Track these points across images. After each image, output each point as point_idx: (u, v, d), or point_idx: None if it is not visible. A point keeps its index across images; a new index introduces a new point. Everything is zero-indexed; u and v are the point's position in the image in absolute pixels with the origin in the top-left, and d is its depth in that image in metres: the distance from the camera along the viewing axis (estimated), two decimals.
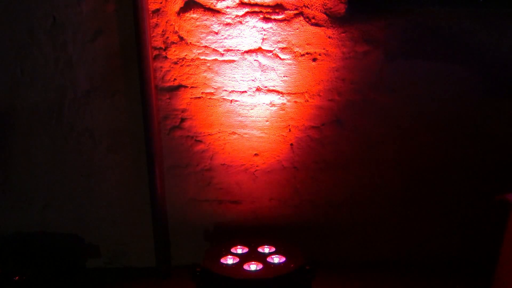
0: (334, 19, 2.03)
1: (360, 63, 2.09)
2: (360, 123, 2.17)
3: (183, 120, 2.14)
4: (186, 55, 2.05)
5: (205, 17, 2.01)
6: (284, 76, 2.10)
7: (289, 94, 2.12)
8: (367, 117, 2.17)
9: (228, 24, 2.02)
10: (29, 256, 2.13)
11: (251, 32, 2.03)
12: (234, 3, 1.99)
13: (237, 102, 2.12)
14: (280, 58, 2.07)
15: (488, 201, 2.19)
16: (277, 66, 2.08)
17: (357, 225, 2.32)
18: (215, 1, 1.98)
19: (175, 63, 2.06)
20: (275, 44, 2.05)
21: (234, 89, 2.10)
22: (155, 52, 2.04)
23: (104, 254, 2.31)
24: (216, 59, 2.06)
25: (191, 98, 2.11)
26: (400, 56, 2.09)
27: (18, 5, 1.95)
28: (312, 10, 2.01)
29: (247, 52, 2.06)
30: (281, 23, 2.03)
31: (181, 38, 2.03)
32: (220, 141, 2.17)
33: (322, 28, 2.04)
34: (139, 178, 2.20)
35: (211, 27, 2.02)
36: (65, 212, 2.24)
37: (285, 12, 2.01)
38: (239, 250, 1.96)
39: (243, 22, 2.02)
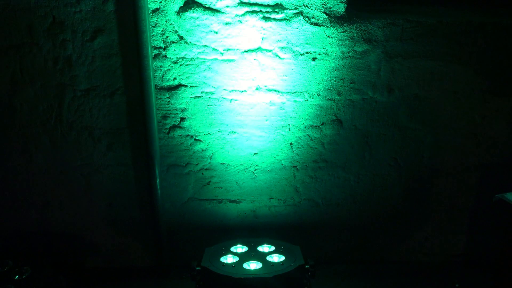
0: (334, 19, 2.03)
1: (360, 63, 2.09)
2: (360, 123, 2.18)
3: (182, 119, 2.14)
4: (185, 54, 2.05)
5: (204, 17, 2.01)
6: (283, 76, 2.10)
7: (288, 93, 2.12)
8: (366, 117, 2.17)
9: (228, 23, 2.02)
10: (29, 255, 2.13)
11: (250, 32, 2.03)
12: (234, 3, 1.99)
13: (236, 101, 2.12)
14: (279, 57, 2.07)
15: (488, 200, 2.19)
16: (276, 65, 2.08)
17: (357, 225, 2.33)
18: (215, 1, 1.98)
19: (175, 62, 2.06)
20: (275, 43, 2.05)
21: (234, 88, 2.10)
22: (155, 52, 2.04)
23: (104, 254, 2.31)
24: (215, 58, 2.06)
25: (190, 97, 2.11)
26: (399, 55, 2.09)
27: (17, 4, 1.95)
28: (311, 9, 2.01)
29: (246, 51, 2.06)
30: (281, 23, 2.03)
31: (181, 38, 2.03)
32: (219, 140, 2.17)
33: (322, 27, 2.04)
34: (138, 177, 2.20)
35: (211, 26, 2.02)
36: (65, 211, 2.24)
37: (285, 11, 2.01)
38: (239, 249, 1.96)
39: (243, 22, 2.02)
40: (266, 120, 2.16)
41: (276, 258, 1.88)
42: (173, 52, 2.05)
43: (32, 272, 1.93)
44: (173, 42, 2.03)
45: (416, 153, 2.23)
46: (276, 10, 2.01)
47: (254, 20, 2.02)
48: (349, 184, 2.27)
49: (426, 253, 2.38)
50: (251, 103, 2.13)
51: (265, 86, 2.11)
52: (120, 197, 2.23)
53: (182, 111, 2.13)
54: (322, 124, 2.17)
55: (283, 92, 2.12)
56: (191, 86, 2.10)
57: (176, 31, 2.02)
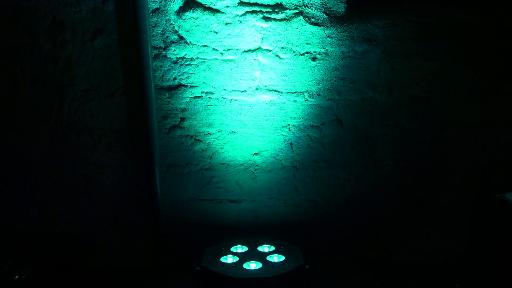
0: (334, 19, 2.03)
1: (360, 63, 2.09)
2: (360, 123, 2.18)
3: (182, 119, 2.14)
4: (185, 54, 2.05)
5: (204, 17, 2.01)
6: (283, 76, 2.10)
7: (288, 93, 2.12)
8: (366, 117, 2.17)
9: (228, 23, 2.02)
10: (29, 255, 2.13)
11: (250, 32, 2.03)
12: (234, 3, 1.99)
13: (237, 101, 2.12)
14: (279, 57, 2.07)
15: (488, 200, 2.19)
16: (276, 66, 2.08)
17: (357, 225, 2.33)
18: (215, 1, 1.98)
19: (175, 62, 2.06)
20: (275, 43, 2.05)
21: (234, 88, 2.10)
22: (155, 52, 2.04)
23: (104, 254, 2.31)
24: (215, 58, 2.06)
25: (190, 97, 2.11)
26: (399, 55, 2.09)
27: (17, 4, 1.95)
28: (311, 9, 2.01)
29: (246, 51, 2.06)
30: (281, 23, 2.03)
31: (181, 38, 2.03)
32: (219, 140, 2.17)
33: (322, 27, 2.04)
34: (138, 177, 2.20)
35: (211, 26, 2.02)
36: (65, 211, 2.24)
37: (285, 11, 2.01)
38: (239, 249, 1.96)
39: (243, 22, 2.02)
40: (266, 120, 2.16)
41: (276, 258, 1.88)
42: (173, 52, 2.05)
43: (32, 272, 1.93)
44: (173, 42, 2.03)
45: (416, 153, 2.23)
46: (276, 10, 2.01)
47: (254, 20, 2.02)
48: (349, 184, 2.27)
49: (426, 253, 2.38)
50: (251, 103, 2.13)
51: (265, 86, 2.11)
52: (120, 197, 2.23)
53: (182, 111, 2.13)
54: (322, 124, 2.17)
55: (283, 92, 2.12)
56: (191, 86, 2.10)
57: (176, 31, 2.02)
